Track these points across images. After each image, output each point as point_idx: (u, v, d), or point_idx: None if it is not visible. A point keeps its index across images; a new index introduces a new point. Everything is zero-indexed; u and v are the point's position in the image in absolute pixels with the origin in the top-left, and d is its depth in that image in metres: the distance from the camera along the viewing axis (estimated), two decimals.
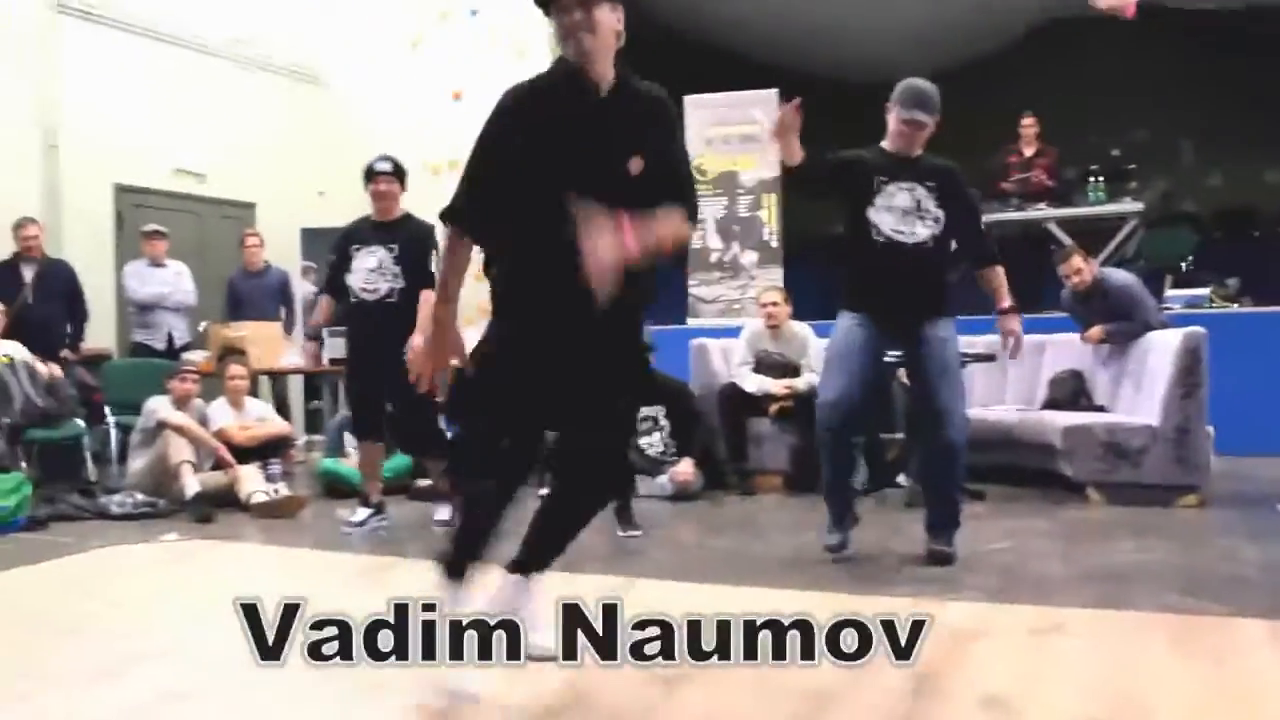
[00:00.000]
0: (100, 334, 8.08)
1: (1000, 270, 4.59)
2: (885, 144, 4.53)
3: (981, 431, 6.25)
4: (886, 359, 4.62)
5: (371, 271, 5.36)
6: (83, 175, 8.84)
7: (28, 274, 7.43)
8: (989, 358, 6.18)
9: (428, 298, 5.41)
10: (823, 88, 11.32)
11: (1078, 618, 3.50)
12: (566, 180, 2.66)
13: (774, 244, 9.03)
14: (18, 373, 6.61)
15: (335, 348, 7.30)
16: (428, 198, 9.48)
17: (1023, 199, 9.11)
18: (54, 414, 6.75)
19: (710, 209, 9.07)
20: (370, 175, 5.45)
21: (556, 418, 2.86)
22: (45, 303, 7.42)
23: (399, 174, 5.46)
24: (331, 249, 5.72)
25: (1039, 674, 2.98)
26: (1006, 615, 3.55)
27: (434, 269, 5.42)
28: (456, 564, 2.91)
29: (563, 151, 2.75)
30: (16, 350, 6.81)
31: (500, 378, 2.83)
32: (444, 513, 5.38)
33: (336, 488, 6.64)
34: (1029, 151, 9.24)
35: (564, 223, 2.55)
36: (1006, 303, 4.57)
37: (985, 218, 7.84)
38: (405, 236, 5.40)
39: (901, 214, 4.41)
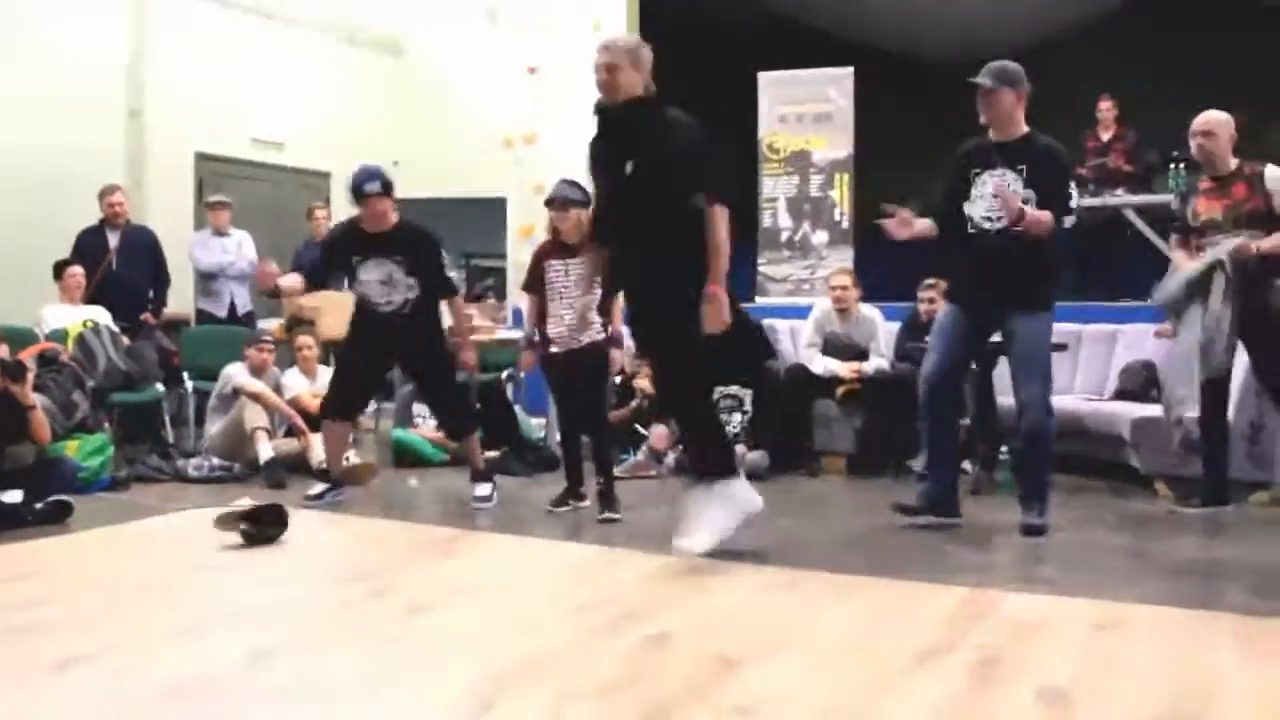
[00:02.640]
0: (180, 300, 8.27)
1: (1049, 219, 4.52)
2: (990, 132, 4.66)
3: None
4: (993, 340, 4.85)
5: (383, 284, 5.34)
6: (165, 144, 9.02)
7: (113, 240, 7.62)
8: (1060, 346, 6.11)
9: (458, 306, 5.66)
10: (898, 65, 11.24)
11: (1142, 613, 3.48)
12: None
13: (845, 224, 8.98)
14: (101, 336, 6.80)
15: None
16: (500, 168, 9.71)
17: (1099, 184, 8.94)
18: (135, 377, 6.94)
19: (781, 187, 9.05)
20: (360, 197, 5.33)
21: None
22: (129, 268, 7.60)
23: (387, 190, 5.37)
24: (324, 248, 5.79)
25: (1099, 668, 2.98)
26: (1069, 608, 3.54)
27: (449, 274, 5.72)
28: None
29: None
30: (100, 315, 7.01)
31: None
32: (484, 489, 5.51)
33: (405, 456, 6.77)
34: (1106, 135, 9.06)
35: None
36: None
37: None
38: (409, 247, 5.37)
39: (991, 200, 4.52)
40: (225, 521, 4.44)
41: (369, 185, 5.30)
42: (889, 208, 4.74)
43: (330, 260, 5.56)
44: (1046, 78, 9.43)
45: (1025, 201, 4.44)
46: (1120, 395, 6.41)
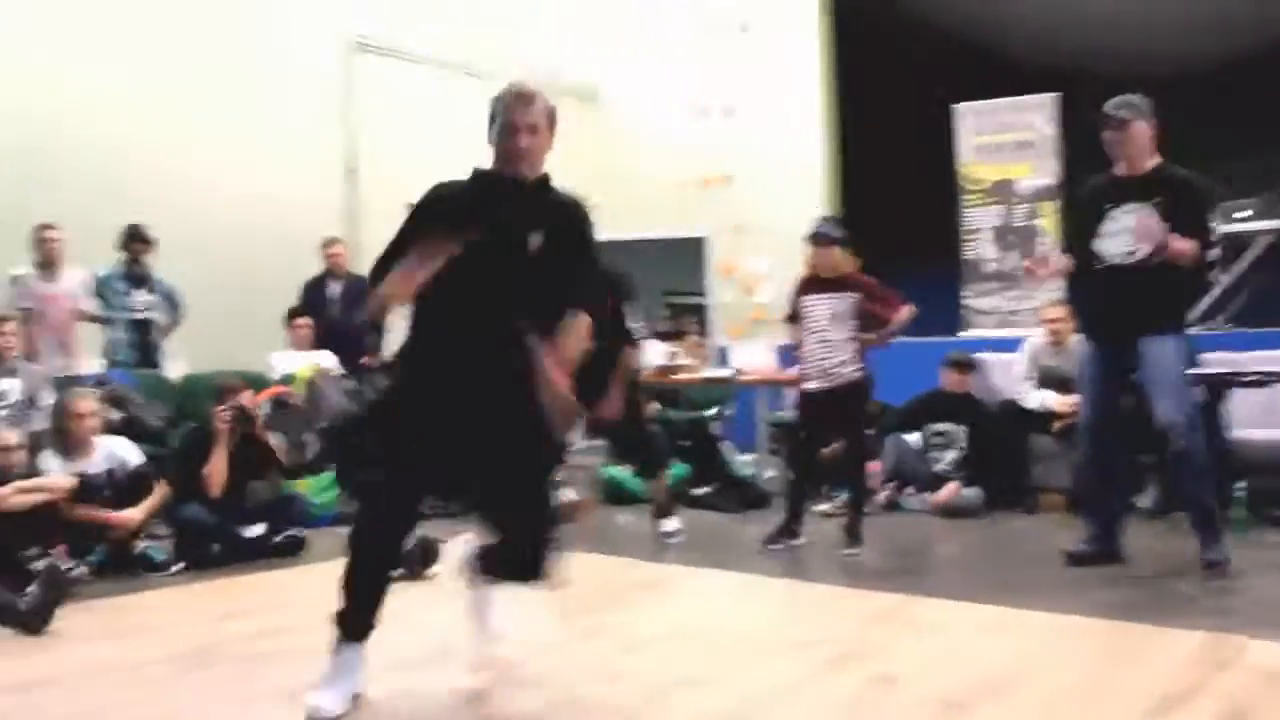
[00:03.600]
0: (396, 343, 8.62)
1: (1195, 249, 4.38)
2: (1116, 167, 4.56)
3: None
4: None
5: None
6: (379, 196, 9.47)
7: (334, 289, 8.04)
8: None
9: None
10: (1104, 87, 10.82)
11: None
12: (479, 250, 2.89)
13: (1053, 258, 8.68)
14: (328, 380, 7.17)
15: None
16: (697, 210, 9.81)
17: None
18: None
19: (985, 218, 8.84)
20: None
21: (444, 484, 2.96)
22: (349, 315, 7.99)
23: None
24: None
25: None
26: None
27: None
28: (350, 619, 3.02)
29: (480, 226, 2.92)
30: (326, 359, 7.39)
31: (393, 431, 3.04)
32: (670, 524, 5.67)
33: (618, 494, 6.88)
34: None
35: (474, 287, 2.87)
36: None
37: (1264, 224, 7.44)
38: None
39: (1128, 234, 4.42)
40: None
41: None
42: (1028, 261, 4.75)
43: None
44: (1270, 89, 8.95)
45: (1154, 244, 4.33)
46: None
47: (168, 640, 3.81)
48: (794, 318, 5.40)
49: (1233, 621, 3.72)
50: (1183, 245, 4.32)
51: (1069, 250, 4.79)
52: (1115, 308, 4.51)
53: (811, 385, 5.31)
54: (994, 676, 3.18)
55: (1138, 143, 4.45)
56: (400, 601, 3.11)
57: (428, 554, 4.78)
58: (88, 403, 5.07)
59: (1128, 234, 4.41)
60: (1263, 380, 5.68)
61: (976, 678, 3.16)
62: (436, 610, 3.80)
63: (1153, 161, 4.49)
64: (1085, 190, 4.72)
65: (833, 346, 5.21)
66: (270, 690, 2.63)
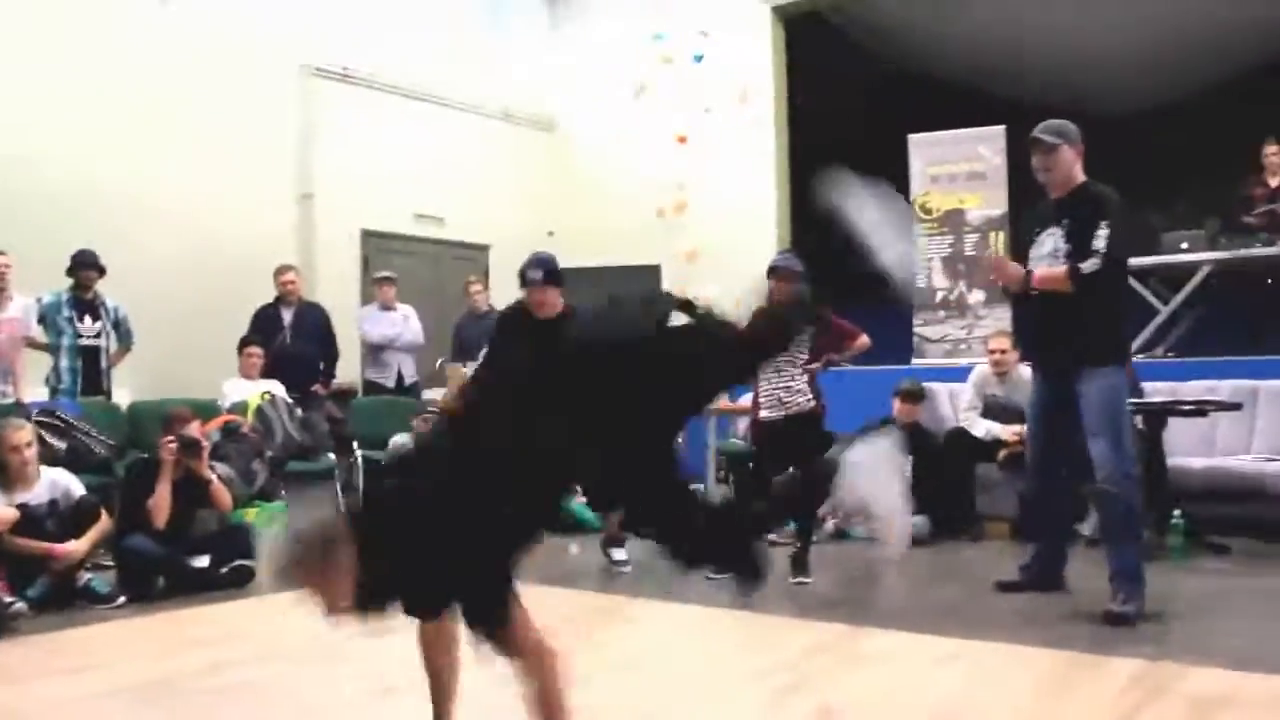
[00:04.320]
0: (347, 370, 8.60)
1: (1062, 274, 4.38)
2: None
3: (1226, 482, 5.98)
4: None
5: None
6: (333, 222, 9.47)
7: (286, 316, 8.00)
8: (1234, 406, 5.88)
9: None
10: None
11: None
12: None
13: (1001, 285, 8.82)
14: (278, 408, 7.13)
15: None
16: (653, 238, 9.87)
17: (1271, 233, 8.55)
18: (309, 447, 7.25)
19: (935, 247, 8.96)
20: (525, 282, 5.34)
21: None
22: (301, 343, 7.96)
23: (552, 278, 5.31)
24: (497, 333, 5.70)
25: None
26: (1261, 686, 3.37)
27: None
28: None
29: None
30: (276, 388, 7.36)
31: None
32: (619, 553, 5.70)
33: (565, 521, 6.86)
34: (1275, 181, 8.66)
35: None
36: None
37: (1227, 254, 7.54)
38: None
39: (1049, 259, 4.44)
40: None
41: (532, 273, 5.28)
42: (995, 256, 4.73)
43: (503, 343, 5.58)
44: (1209, 125, 9.16)
45: (1067, 257, 4.36)
46: None
47: (116, 676, 3.76)
48: None
49: (1169, 650, 3.78)
50: (1043, 275, 4.39)
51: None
52: (1050, 336, 4.52)
53: (765, 414, 5.36)
54: (938, 708, 3.23)
55: (1063, 167, 4.46)
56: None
57: None
58: (22, 434, 4.97)
59: (1050, 259, 4.43)
60: (1201, 409, 5.79)
61: (921, 709, 3.21)
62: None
63: (1077, 182, 4.49)
64: (1025, 215, 4.81)
65: (787, 376, 5.26)
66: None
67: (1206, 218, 8.34)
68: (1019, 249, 4.71)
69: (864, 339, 5.35)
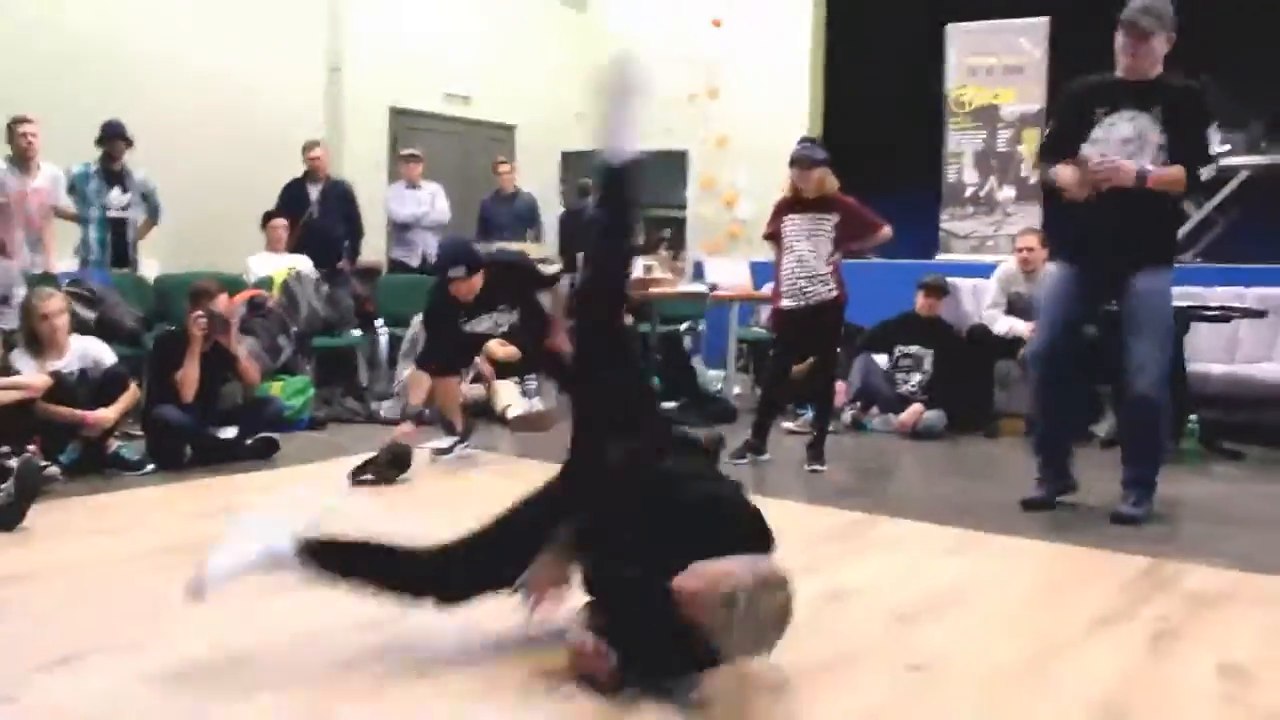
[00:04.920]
0: (372, 250, 8.64)
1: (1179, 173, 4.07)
2: (1118, 69, 4.21)
3: (1243, 389, 5.99)
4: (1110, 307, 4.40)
5: (497, 325, 5.51)
6: (362, 100, 9.41)
7: (313, 192, 8.01)
8: (1259, 313, 5.86)
9: (557, 295, 5.65)
10: (1095, 12, 10.69)
11: None
12: None
13: (1032, 180, 8.71)
14: (304, 284, 7.19)
15: None
16: (684, 124, 9.77)
17: None
18: (334, 323, 7.32)
19: (968, 142, 8.84)
20: (448, 277, 5.34)
21: None
22: (327, 219, 7.98)
23: (473, 270, 5.32)
24: (428, 326, 5.76)
25: None
26: (1256, 585, 3.44)
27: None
28: None
29: None
30: (302, 263, 7.40)
31: None
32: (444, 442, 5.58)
33: None
34: None
35: None
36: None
37: (1245, 159, 7.31)
38: (509, 297, 5.50)
39: (1120, 145, 4.11)
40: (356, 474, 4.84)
41: (454, 271, 5.29)
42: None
43: (439, 333, 5.57)
44: (1269, 17, 8.80)
45: (1160, 149, 4.05)
46: None
47: (147, 538, 3.88)
48: (774, 236, 5.46)
49: (1173, 549, 3.85)
50: (1161, 175, 4.04)
51: (1049, 154, 4.37)
52: (1106, 232, 4.14)
53: (787, 303, 5.38)
54: (943, 593, 3.31)
55: (1153, 56, 4.12)
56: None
57: (398, 460, 4.88)
58: (54, 302, 5.04)
59: (1122, 144, 4.10)
60: (1225, 315, 5.77)
61: (926, 594, 3.29)
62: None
63: (1158, 70, 4.17)
64: (1074, 88, 4.32)
65: (810, 266, 5.27)
66: (256, 587, 2.70)
67: (1251, 118, 8.15)
68: (1066, 125, 4.30)
69: (886, 230, 5.33)
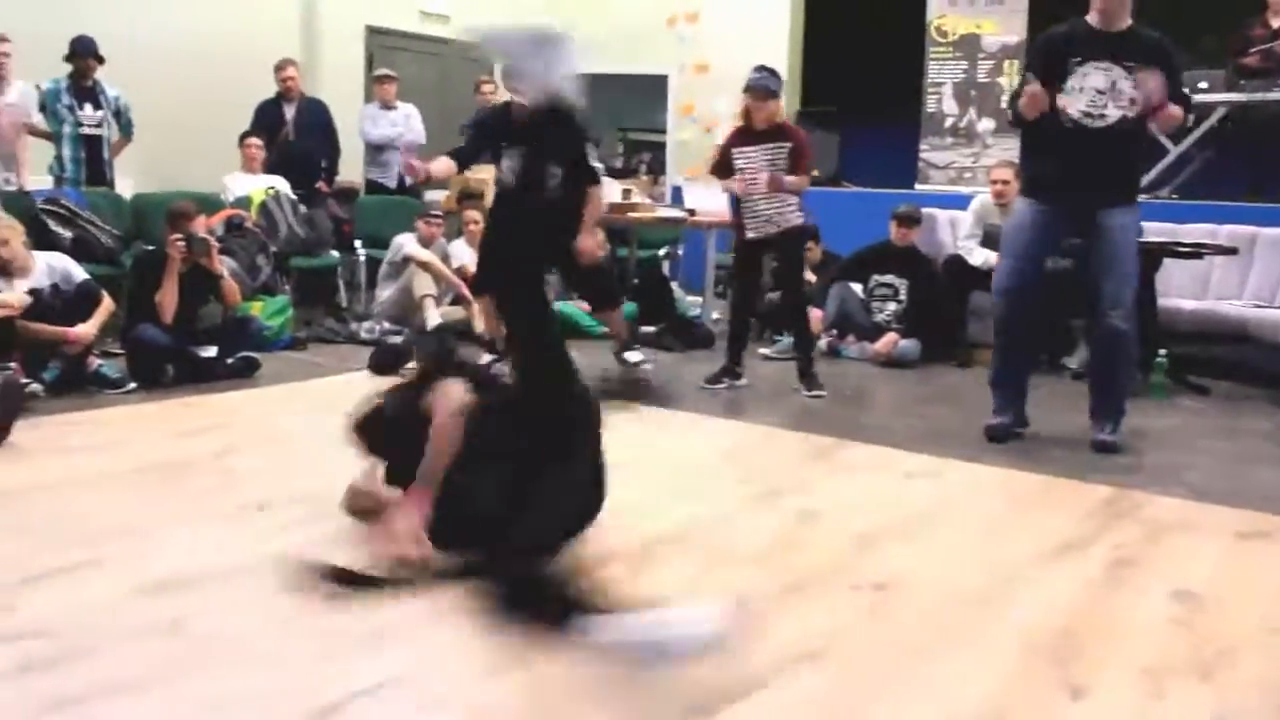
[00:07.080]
0: (350, 170, 8.59)
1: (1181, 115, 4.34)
2: (1089, 16, 4.31)
3: (1213, 325, 6.08)
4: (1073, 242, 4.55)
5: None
6: (338, 18, 9.28)
7: (289, 112, 7.92)
8: (1231, 250, 5.95)
9: (595, 195, 5.57)
10: None
11: None
12: None
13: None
14: (282, 204, 7.16)
15: None
16: (663, 49, 9.70)
17: (1269, 76, 8.31)
18: (312, 243, 7.31)
19: (948, 72, 8.84)
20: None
21: None
22: (303, 139, 7.91)
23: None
24: (475, 128, 5.78)
25: (1237, 575, 3.02)
26: (1213, 515, 3.56)
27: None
28: None
29: None
30: (280, 183, 7.37)
31: None
32: (635, 355, 5.87)
33: (565, 329, 6.97)
34: (1277, 23, 8.37)
35: None
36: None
37: (1223, 96, 7.37)
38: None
39: (1094, 94, 4.25)
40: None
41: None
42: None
43: (478, 141, 5.58)
44: None
45: (1131, 101, 4.18)
46: None
47: (133, 455, 3.94)
48: (724, 169, 5.48)
49: (1136, 479, 3.96)
50: (1171, 111, 4.22)
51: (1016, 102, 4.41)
52: (1075, 172, 4.26)
53: (753, 234, 5.44)
54: (908, 517, 3.42)
55: (1125, 4, 4.24)
56: None
57: (400, 356, 4.94)
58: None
59: (1096, 94, 4.23)
60: (1197, 252, 5.85)
61: (892, 518, 3.40)
62: None
63: (1128, 21, 4.28)
64: (1049, 38, 4.45)
65: (773, 195, 5.33)
66: (245, 502, 2.76)
67: (1230, 57, 8.15)
68: (1043, 74, 4.31)
69: (807, 178, 5.44)
